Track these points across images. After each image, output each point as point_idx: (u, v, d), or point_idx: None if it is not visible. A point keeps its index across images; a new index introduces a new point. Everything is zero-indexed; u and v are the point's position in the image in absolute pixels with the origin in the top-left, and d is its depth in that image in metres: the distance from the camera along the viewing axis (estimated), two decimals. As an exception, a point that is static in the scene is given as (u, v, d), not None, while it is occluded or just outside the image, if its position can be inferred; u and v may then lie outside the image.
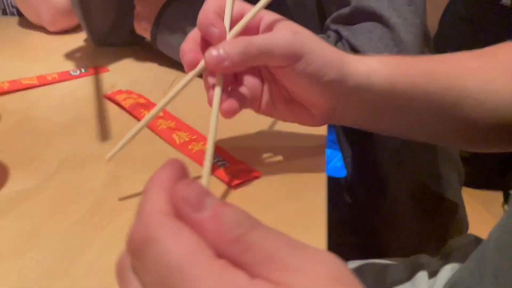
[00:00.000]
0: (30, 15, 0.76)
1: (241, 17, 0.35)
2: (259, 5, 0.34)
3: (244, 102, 0.36)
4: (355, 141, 0.68)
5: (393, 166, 0.69)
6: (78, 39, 0.72)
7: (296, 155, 0.42)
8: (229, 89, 0.36)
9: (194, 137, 0.43)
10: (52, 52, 0.66)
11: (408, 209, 0.72)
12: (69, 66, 0.61)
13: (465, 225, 0.80)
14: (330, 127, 0.81)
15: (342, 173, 0.77)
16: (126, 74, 0.59)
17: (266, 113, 0.38)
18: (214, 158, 0.40)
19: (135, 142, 0.43)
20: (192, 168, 0.38)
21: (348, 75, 0.35)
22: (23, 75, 0.55)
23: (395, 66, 0.37)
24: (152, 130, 0.45)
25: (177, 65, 0.60)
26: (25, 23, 0.78)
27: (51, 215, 0.33)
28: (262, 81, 0.37)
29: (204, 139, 0.43)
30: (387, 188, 0.69)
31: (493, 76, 0.39)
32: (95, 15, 0.66)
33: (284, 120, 0.39)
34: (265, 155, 0.41)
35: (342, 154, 0.69)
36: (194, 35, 0.35)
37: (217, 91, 0.33)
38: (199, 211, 0.16)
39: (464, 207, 0.80)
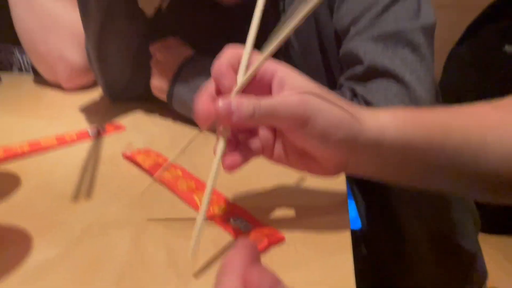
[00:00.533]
0: (46, 73, 0.78)
1: (258, 72, 0.35)
2: (262, 58, 0.34)
3: (251, 155, 0.36)
4: (369, 191, 0.68)
5: (410, 215, 0.69)
6: (94, 96, 0.74)
7: (318, 213, 0.41)
8: (237, 139, 0.36)
9: (214, 198, 0.43)
10: (69, 110, 0.67)
11: (426, 258, 0.71)
12: (86, 123, 0.62)
13: (485, 274, 0.78)
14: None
15: (356, 224, 0.77)
16: (142, 131, 0.60)
17: (278, 162, 0.38)
18: (236, 220, 0.40)
19: (156, 204, 0.43)
20: (215, 230, 0.38)
21: (359, 132, 0.35)
22: (41, 134, 0.56)
23: (409, 120, 0.37)
24: (173, 191, 0.45)
25: (192, 122, 0.61)
26: (40, 80, 0.80)
27: (76, 285, 0.33)
28: (275, 132, 0.37)
29: (225, 200, 0.43)
30: (405, 237, 0.69)
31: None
32: (112, 71, 0.68)
33: (297, 169, 0.39)
34: (287, 215, 0.41)
35: (356, 205, 0.69)
36: (209, 86, 0.36)
37: (221, 143, 0.35)
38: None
39: (482, 255, 0.79)
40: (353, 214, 0.78)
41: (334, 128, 0.34)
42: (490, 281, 0.79)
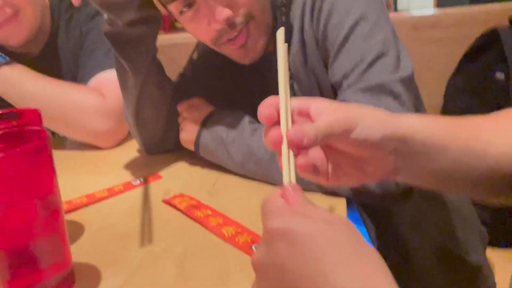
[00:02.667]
0: (81, 137, 0.90)
1: (294, 108, 0.43)
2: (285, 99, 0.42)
3: (315, 171, 0.43)
4: (376, 216, 0.77)
5: (414, 233, 0.77)
6: (133, 150, 0.87)
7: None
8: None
9: (239, 230, 0.54)
10: (113, 165, 0.80)
11: (433, 271, 0.78)
12: (129, 175, 0.74)
13: (493, 285, 0.85)
14: (352, 205, 0.90)
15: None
16: (177, 179, 0.72)
17: (335, 181, 0.44)
18: (256, 246, 0.50)
19: (195, 236, 0.54)
20: (239, 256, 0.48)
21: (396, 128, 0.42)
22: (95, 188, 0.69)
23: (431, 120, 0.46)
24: (205, 226, 0.56)
25: (216, 167, 0.73)
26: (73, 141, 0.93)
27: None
28: (327, 156, 0.44)
29: (247, 231, 0.53)
30: (411, 253, 0.77)
31: (508, 129, 0.45)
32: (148, 131, 0.80)
33: (353, 184, 0.46)
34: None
35: (366, 229, 0.78)
36: (271, 100, 0.43)
37: (285, 150, 0.40)
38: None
39: (489, 267, 0.85)
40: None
41: (378, 128, 0.41)
42: (501, 294, 0.85)
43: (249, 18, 0.66)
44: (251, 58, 0.72)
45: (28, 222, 0.43)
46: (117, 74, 0.76)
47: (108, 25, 0.71)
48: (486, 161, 0.45)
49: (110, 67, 0.88)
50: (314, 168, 0.44)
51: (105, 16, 0.70)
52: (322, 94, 0.73)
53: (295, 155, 0.40)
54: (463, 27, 1.38)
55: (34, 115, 0.54)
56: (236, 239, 0.52)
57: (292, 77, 0.73)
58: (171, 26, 3.10)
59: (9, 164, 0.41)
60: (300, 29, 0.70)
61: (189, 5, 0.66)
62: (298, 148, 0.40)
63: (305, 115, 0.43)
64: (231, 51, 0.71)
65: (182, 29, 3.11)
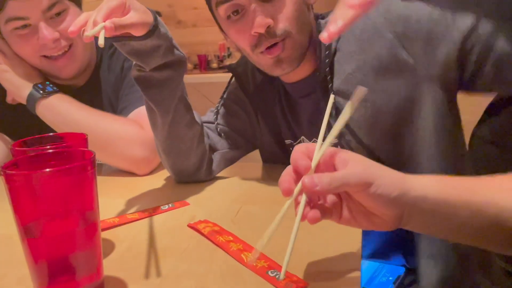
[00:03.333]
0: (119, 164, 0.97)
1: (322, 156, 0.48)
2: (325, 145, 0.48)
3: (325, 213, 0.47)
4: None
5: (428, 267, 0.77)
6: (163, 178, 0.92)
7: (335, 266, 0.54)
8: (311, 204, 0.48)
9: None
10: (145, 190, 0.85)
11: None
12: (158, 201, 0.79)
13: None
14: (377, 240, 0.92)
15: (388, 287, 0.87)
16: (203, 206, 0.76)
17: (346, 223, 0.49)
18: (273, 272, 0.53)
19: (216, 259, 0.58)
20: (258, 280, 0.52)
21: (409, 189, 0.46)
22: (127, 211, 0.74)
23: (443, 182, 0.48)
24: (226, 251, 0.59)
25: (241, 197, 0.77)
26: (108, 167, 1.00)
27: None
28: (341, 199, 0.49)
29: (265, 257, 0.57)
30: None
31: None
32: (177, 163, 0.85)
33: (360, 227, 0.50)
34: (310, 267, 0.54)
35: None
36: (288, 170, 0.49)
37: (302, 203, 0.46)
38: None
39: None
40: (384, 278, 0.89)
41: (391, 188, 0.45)
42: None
43: (286, 34, 0.73)
44: (283, 69, 0.77)
45: (69, 235, 0.48)
46: (148, 114, 0.82)
47: (137, 70, 0.77)
48: (500, 222, 0.47)
49: None
50: (327, 210, 0.48)
51: (134, 62, 0.76)
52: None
53: (308, 202, 0.46)
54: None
55: (81, 139, 0.60)
56: (254, 264, 0.55)
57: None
58: (207, 66, 3.24)
59: (57, 179, 0.46)
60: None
61: (237, 12, 0.73)
62: (310, 193, 0.45)
63: (331, 165, 0.48)
64: (266, 61, 0.76)
65: (216, 70, 3.24)
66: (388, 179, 0.46)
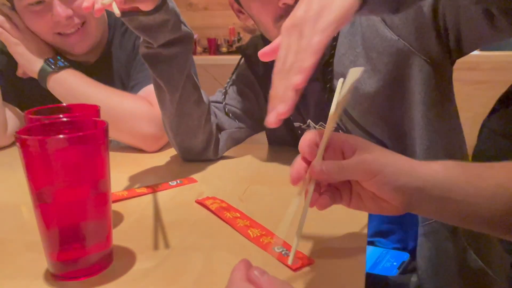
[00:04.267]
0: (128, 140, 0.97)
1: (330, 142, 0.47)
2: (329, 131, 0.47)
3: (335, 199, 0.48)
4: None
5: None
6: (172, 155, 0.93)
7: (341, 244, 0.55)
8: (321, 190, 0.48)
9: (264, 233, 0.58)
10: (154, 166, 0.86)
11: None
12: (167, 177, 0.79)
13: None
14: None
15: (392, 272, 0.87)
16: (210, 183, 0.77)
17: (355, 207, 0.50)
18: (280, 248, 0.54)
19: (223, 234, 0.58)
20: (264, 255, 0.52)
21: (416, 176, 0.46)
22: (135, 185, 0.74)
23: (453, 169, 0.48)
24: (233, 226, 0.60)
25: (248, 176, 0.77)
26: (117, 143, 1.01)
27: (166, 286, 0.48)
28: (351, 185, 0.49)
29: (271, 234, 0.57)
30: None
31: None
32: (185, 141, 0.86)
33: (370, 211, 0.51)
34: (316, 243, 0.55)
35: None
36: (298, 159, 0.48)
37: (311, 190, 0.46)
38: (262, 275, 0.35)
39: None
40: (388, 263, 0.89)
41: (398, 175, 0.45)
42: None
43: None
44: None
45: (80, 202, 0.49)
46: (155, 92, 0.82)
47: (145, 47, 0.77)
48: (504, 205, 0.46)
49: None
50: (337, 195, 0.49)
51: (141, 38, 0.76)
52: None
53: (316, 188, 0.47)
54: (502, 72, 1.40)
55: (94, 110, 0.60)
56: (261, 240, 0.56)
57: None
58: (217, 50, 3.23)
59: (70, 146, 0.47)
60: None
61: None
62: (318, 179, 0.45)
63: (339, 152, 0.48)
64: None
65: (225, 54, 3.23)
66: (395, 167, 0.46)
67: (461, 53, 0.74)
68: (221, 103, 0.91)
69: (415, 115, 0.74)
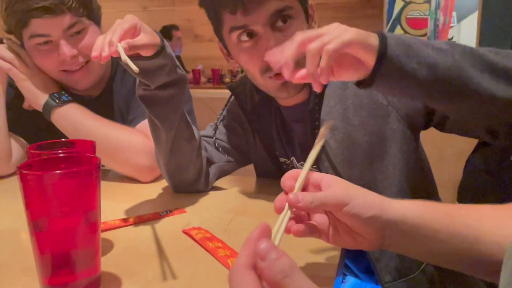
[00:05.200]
0: (124, 171, 1.03)
1: (308, 180, 0.53)
2: (306, 170, 0.53)
3: (313, 231, 0.53)
4: None
5: None
6: (164, 186, 0.98)
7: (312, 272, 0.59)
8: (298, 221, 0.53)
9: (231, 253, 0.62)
10: (145, 197, 0.91)
11: None
12: (158, 207, 0.85)
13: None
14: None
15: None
16: (198, 214, 0.82)
17: (333, 242, 0.53)
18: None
19: (204, 263, 0.63)
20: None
21: (387, 210, 0.50)
22: (128, 215, 0.80)
23: (423, 206, 0.52)
24: (214, 256, 0.64)
25: (234, 208, 0.82)
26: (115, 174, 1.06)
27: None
28: (329, 220, 0.54)
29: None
30: None
31: (507, 223, 0.48)
32: (177, 175, 0.91)
33: (348, 246, 0.54)
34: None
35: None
36: (282, 193, 0.53)
37: (287, 216, 0.49)
38: (263, 260, 0.35)
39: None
40: None
41: (366, 209, 0.49)
42: None
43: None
44: (288, 93, 0.82)
45: (72, 231, 0.54)
46: (151, 130, 0.87)
47: (142, 89, 0.82)
48: (477, 248, 0.48)
49: None
50: (316, 229, 0.54)
51: (138, 81, 0.81)
52: None
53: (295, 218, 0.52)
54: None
55: (90, 146, 0.66)
56: (229, 261, 0.61)
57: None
58: (220, 80, 3.32)
59: (65, 180, 0.52)
60: None
61: (251, 35, 0.78)
62: (295, 208, 0.50)
63: (317, 187, 0.53)
64: (273, 84, 0.81)
65: (228, 83, 3.30)
66: (364, 200, 0.51)
67: (441, 130, 0.82)
68: (212, 137, 0.97)
69: (395, 175, 0.80)
